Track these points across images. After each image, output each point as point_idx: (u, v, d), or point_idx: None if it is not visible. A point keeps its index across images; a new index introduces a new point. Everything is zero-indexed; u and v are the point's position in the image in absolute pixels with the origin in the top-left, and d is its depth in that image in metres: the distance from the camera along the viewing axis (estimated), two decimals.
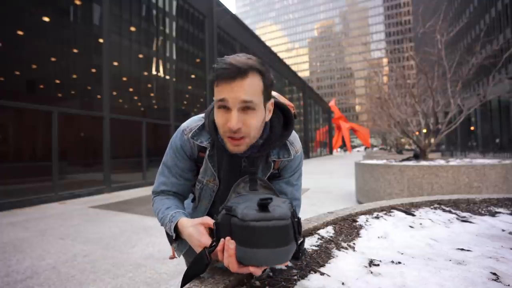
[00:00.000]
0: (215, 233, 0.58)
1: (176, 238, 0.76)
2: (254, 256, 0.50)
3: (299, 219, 0.56)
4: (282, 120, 0.84)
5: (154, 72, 10.06)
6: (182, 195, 0.92)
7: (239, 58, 0.69)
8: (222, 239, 0.55)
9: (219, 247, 0.55)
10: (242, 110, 0.69)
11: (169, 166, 0.87)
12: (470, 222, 1.04)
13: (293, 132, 0.88)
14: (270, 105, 0.77)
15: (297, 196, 0.93)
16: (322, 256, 0.74)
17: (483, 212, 1.20)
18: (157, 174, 0.91)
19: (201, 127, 0.83)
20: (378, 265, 0.67)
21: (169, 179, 0.87)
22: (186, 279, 0.61)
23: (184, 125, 0.87)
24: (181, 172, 0.87)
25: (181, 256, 1.11)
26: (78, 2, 7.56)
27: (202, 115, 0.87)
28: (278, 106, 0.84)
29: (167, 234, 0.82)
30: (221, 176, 0.85)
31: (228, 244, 0.52)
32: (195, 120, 0.86)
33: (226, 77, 0.67)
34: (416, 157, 6.04)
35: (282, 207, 0.52)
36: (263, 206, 0.49)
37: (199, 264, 0.60)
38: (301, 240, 0.54)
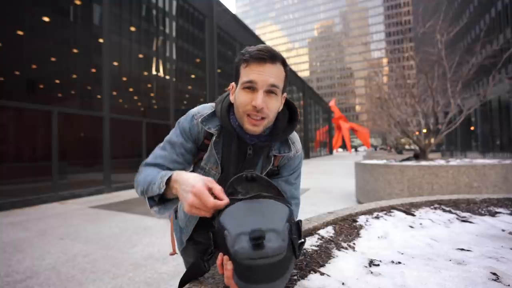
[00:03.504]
0: (212, 242, 0.54)
1: (160, 200, 0.72)
2: None
3: (298, 222, 0.53)
4: (287, 115, 0.88)
5: (154, 72, 10.06)
6: None
7: (270, 47, 0.75)
8: (221, 254, 0.52)
9: (218, 261, 0.53)
10: (266, 93, 0.74)
11: (173, 142, 0.86)
12: (470, 222, 1.04)
13: (295, 134, 0.92)
14: (283, 97, 0.83)
15: (296, 195, 0.95)
16: (322, 256, 0.74)
17: (483, 212, 1.20)
18: (155, 149, 0.88)
19: (211, 114, 0.86)
20: (378, 265, 0.67)
21: (170, 155, 0.85)
22: (183, 283, 0.60)
23: (194, 110, 0.89)
24: (184, 151, 0.87)
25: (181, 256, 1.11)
26: (78, 2, 7.56)
27: (211, 104, 0.91)
28: (285, 101, 0.88)
29: (150, 198, 0.74)
30: (224, 164, 0.86)
31: (226, 264, 0.49)
32: (206, 107, 0.89)
33: (259, 59, 0.72)
34: (416, 157, 6.04)
35: (278, 233, 0.46)
36: (257, 245, 0.44)
37: (195, 271, 0.58)
38: (301, 241, 0.51)
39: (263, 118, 0.76)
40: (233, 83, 0.83)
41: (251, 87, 0.74)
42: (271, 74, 0.73)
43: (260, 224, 0.47)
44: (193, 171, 0.94)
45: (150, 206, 0.75)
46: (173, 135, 0.88)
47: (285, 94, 0.83)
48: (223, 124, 0.83)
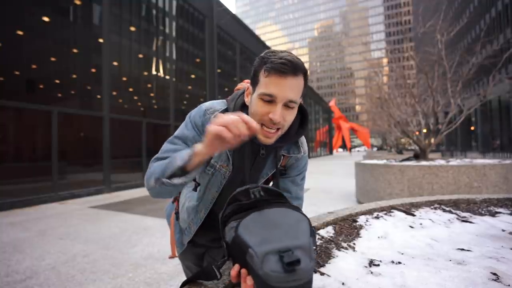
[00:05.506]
0: (226, 251, 0.53)
1: (184, 171, 0.68)
2: None
3: (314, 231, 0.51)
4: (299, 118, 0.88)
5: (154, 72, 10.06)
6: None
7: (294, 57, 0.71)
8: (237, 265, 0.51)
9: (233, 273, 0.51)
10: (284, 106, 0.73)
11: (184, 136, 0.82)
12: (470, 222, 1.04)
13: (303, 136, 0.93)
14: (299, 101, 0.82)
15: (301, 196, 0.97)
16: (322, 256, 0.74)
17: (483, 212, 1.20)
18: (164, 144, 0.83)
19: (224, 111, 0.84)
20: (378, 265, 0.67)
21: (181, 148, 0.80)
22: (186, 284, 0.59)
23: (206, 105, 0.87)
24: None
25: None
26: (78, 2, 7.56)
27: (223, 100, 0.90)
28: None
29: (171, 176, 0.70)
30: (235, 161, 0.86)
31: (246, 279, 0.48)
32: (218, 103, 0.87)
33: (280, 72, 0.69)
34: (416, 157, 6.04)
35: (305, 250, 0.45)
36: (291, 270, 0.42)
37: (205, 277, 0.57)
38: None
39: (278, 129, 0.76)
40: (249, 85, 0.81)
41: (270, 100, 0.72)
42: (291, 88, 0.71)
43: (285, 240, 0.46)
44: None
45: (170, 178, 0.69)
46: (184, 129, 0.85)
47: (301, 99, 0.82)
48: None
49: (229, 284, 0.57)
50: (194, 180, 0.94)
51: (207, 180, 0.89)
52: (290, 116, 0.76)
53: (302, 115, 0.89)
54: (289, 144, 0.89)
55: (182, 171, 0.68)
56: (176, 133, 0.85)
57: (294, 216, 0.52)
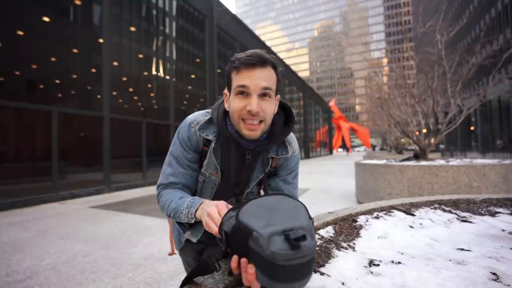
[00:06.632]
0: (225, 242, 0.54)
1: (191, 224, 0.80)
2: None
3: (311, 219, 0.52)
4: (283, 117, 0.88)
5: (154, 72, 10.06)
6: (190, 188, 0.92)
7: (259, 51, 0.75)
8: (235, 256, 0.51)
9: (233, 264, 0.51)
10: (260, 96, 0.74)
11: (176, 156, 0.89)
12: (470, 222, 1.04)
13: (292, 134, 0.93)
14: (277, 99, 0.83)
15: (295, 194, 0.97)
16: (322, 256, 0.74)
17: (483, 212, 1.20)
18: (163, 167, 0.91)
19: (208, 121, 0.87)
20: (378, 265, 0.67)
21: (178, 170, 0.88)
22: (188, 281, 0.59)
23: (190, 118, 0.89)
24: (188, 162, 0.89)
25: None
26: (78, 2, 7.56)
27: (207, 110, 0.92)
28: (280, 103, 0.88)
29: (180, 223, 0.84)
30: (224, 169, 0.88)
31: (247, 268, 0.48)
32: (201, 114, 0.90)
33: (248, 64, 0.73)
34: (416, 157, 6.04)
35: (306, 230, 0.46)
36: (297, 246, 0.43)
37: (204, 271, 0.57)
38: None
39: (261, 122, 0.76)
40: (226, 91, 0.83)
41: (244, 92, 0.74)
42: (262, 77, 0.73)
43: (287, 222, 0.47)
44: None
45: (183, 231, 0.88)
46: (174, 147, 0.90)
47: (278, 96, 0.83)
48: (220, 131, 0.84)
49: (229, 284, 0.57)
50: None
51: (200, 186, 0.93)
52: (268, 106, 0.76)
53: (287, 113, 0.89)
54: (277, 146, 0.89)
55: (188, 224, 0.83)
56: (170, 150, 0.91)
57: (291, 202, 0.54)
